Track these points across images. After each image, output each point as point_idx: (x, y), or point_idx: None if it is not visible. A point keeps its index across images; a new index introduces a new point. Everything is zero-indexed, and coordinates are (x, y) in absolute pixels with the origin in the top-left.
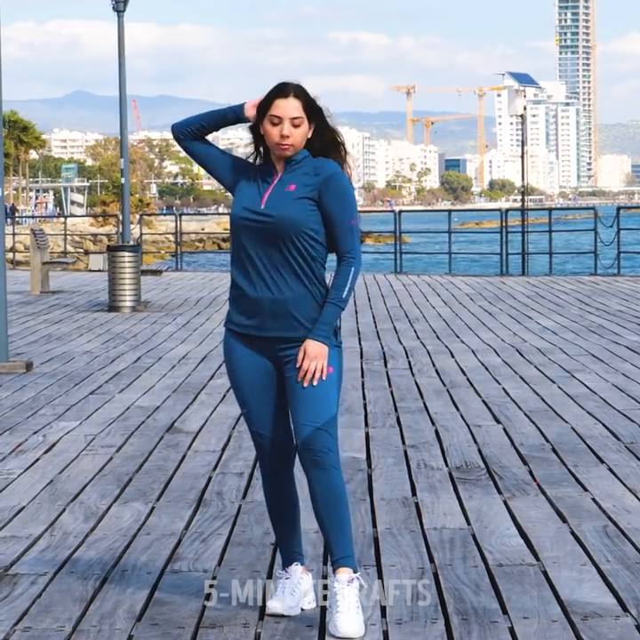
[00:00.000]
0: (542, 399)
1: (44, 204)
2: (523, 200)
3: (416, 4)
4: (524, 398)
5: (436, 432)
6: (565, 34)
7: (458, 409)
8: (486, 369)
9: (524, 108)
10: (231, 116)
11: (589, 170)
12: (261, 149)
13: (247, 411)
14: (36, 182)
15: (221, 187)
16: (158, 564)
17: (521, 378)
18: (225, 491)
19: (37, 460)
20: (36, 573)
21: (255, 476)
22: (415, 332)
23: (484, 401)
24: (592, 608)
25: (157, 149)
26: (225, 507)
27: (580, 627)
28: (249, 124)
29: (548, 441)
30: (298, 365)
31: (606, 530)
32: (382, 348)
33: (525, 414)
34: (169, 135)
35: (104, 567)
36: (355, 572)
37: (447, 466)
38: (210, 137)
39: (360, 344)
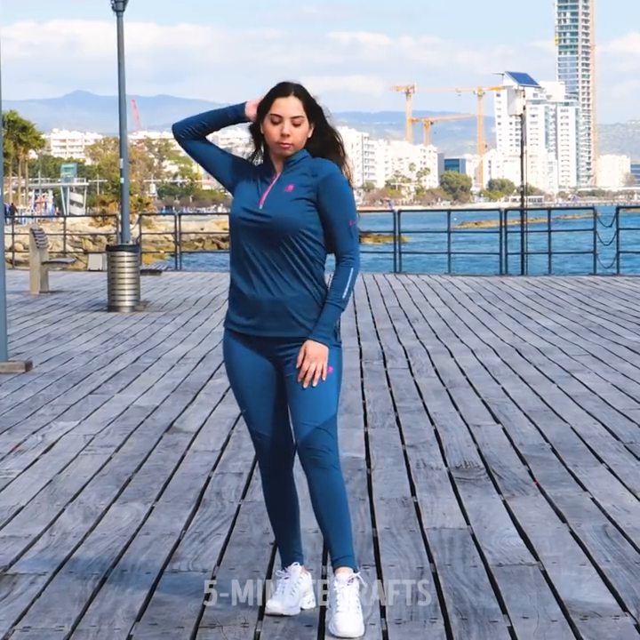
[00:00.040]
0: (542, 399)
1: (44, 204)
2: (522, 200)
3: (416, 3)
4: (523, 398)
5: (436, 432)
6: (565, 34)
7: (457, 409)
8: (486, 369)
9: (524, 108)
10: (232, 115)
11: (589, 170)
12: (262, 149)
13: (247, 411)
14: (36, 182)
15: (221, 186)
16: (157, 563)
17: (520, 378)
18: (224, 491)
19: (36, 459)
20: (36, 573)
21: (254, 475)
22: (414, 331)
23: (483, 401)
24: (591, 608)
25: (157, 149)
26: (224, 507)
27: (579, 626)
28: (248, 124)
29: (547, 441)
30: (298, 366)
31: (606, 530)
32: (382, 347)
33: (525, 414)
34: (168, 135)
35: (103, 567)
36: (354, 572)
37: (446, 466)
38: (210, 137)
39: (359, 344)
